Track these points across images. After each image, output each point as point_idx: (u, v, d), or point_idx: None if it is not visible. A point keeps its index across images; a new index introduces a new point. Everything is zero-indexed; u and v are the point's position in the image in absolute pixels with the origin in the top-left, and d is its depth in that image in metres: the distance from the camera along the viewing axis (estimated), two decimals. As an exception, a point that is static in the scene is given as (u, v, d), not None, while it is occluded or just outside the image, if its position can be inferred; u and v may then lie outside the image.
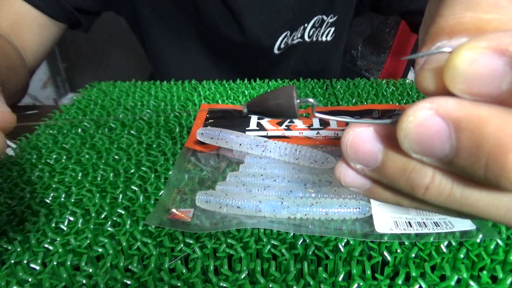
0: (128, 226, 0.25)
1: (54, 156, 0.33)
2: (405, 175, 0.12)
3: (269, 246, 0.23)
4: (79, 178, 0.30)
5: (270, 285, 0.20)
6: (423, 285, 0.19)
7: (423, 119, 0.11)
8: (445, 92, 0.11)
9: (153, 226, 0.25)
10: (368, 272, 0.21)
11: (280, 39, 0.56)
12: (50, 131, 0.38)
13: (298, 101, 0.15)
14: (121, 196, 0.27)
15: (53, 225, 0.25)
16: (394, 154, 0.13)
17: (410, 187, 0.13)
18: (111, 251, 0.23)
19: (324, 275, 0.21)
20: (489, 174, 0.10)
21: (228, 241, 0.23)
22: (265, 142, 0.31)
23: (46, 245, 0.23)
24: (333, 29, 0.59)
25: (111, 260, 0.22)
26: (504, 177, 0.10)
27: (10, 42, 0.44)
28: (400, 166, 0.12)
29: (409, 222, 0.23)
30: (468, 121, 0.10)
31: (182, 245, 0.23)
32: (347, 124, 0.14)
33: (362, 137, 0.13)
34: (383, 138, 0.13)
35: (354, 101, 0.43)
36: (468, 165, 0.10)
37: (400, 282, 0.20)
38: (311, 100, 0.15)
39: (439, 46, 0.12)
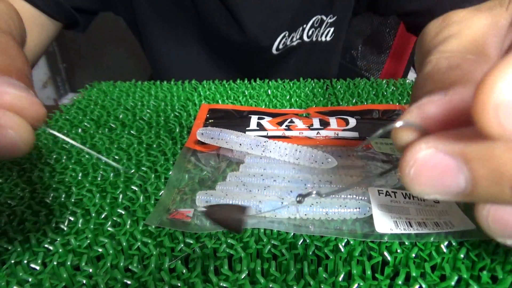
0: (128, 226, 0.25)
1: (54, 156, 0.33)
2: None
3: (269, 246, 0.23)
4: (79, 178, 0.30)
5: (270, 285, 0.20)
6: (423, 285, 0.19)
7: (426, 159, 0.10)
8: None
9: (153, 226, 0.25)
10: (368, 272, 0.21)
11: (278, 39, 0.56)
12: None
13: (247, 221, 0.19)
14: (121, 196, 0.27)
15: (53, 225, 0.25)
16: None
17: None
18: (111, 251, 0.23)
19: (324, 275, 0.21)
20: None
21: (228, 241, 0.23)
22: (265, 142, 0.31)
23: (46, 245, 0.23)
24: (332, 29, 0.59)
25: (111, 260, 0.22)
26: None
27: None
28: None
29: (409, 222, 0.23)
30: (476, 150, 0.09)
31: (182, 245, 0.23)
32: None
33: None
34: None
35: (354, 101, 0.43)
36: (491, 192, 0.10)
37: (400, 282, 0.20)
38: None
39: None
